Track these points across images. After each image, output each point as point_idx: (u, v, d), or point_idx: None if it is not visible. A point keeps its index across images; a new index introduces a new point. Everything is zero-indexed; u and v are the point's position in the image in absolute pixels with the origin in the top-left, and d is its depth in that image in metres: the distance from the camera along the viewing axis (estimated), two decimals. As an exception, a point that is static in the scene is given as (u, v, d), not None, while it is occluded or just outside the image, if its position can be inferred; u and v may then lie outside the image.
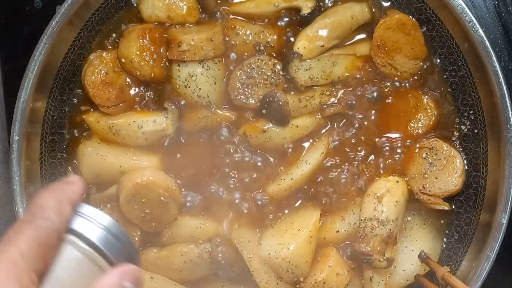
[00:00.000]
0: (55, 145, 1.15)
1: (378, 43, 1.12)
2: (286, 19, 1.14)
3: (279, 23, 1.14)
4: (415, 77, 1.15)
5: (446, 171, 1.13)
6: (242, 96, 1.12)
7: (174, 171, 1.14)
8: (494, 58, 1.06)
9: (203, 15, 1.14)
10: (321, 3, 1.14)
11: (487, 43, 1.06)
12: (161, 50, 1.12)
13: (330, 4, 1.14)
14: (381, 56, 1.13)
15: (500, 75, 1.06)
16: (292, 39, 1.13)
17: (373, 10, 1.13)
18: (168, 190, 1.09)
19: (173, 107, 1.13)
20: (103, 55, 1.13)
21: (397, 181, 1.13)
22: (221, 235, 1.13)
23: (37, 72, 1.07)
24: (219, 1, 1.14)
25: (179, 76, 1.12)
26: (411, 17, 1.13)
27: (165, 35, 1.13)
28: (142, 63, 1.11)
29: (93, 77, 1.12)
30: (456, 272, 1.13)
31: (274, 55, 1.14)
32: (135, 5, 1.14)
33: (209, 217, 1.14)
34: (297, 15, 1.14)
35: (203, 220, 1.13)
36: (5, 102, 1.23)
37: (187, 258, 1.12)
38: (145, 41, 1.11)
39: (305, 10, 1.13)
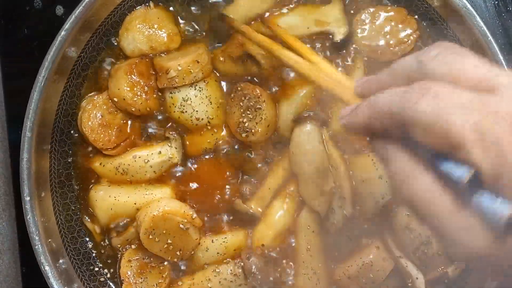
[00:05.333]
0: (67, 197, 1.15)
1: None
2: (318, 44, 1.13)
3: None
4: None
5: None
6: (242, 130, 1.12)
7: (188, 197, 1.14)
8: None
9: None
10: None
11: (494, 44, 1.05)
12: (151, 82, 1.12)
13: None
14: None
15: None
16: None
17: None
18: (186, 216, 1.09)
19: (175, 134, 1.13)
20: (95, 99, 1.13)
21: None
22: (247, 245, 1.13)
23: (35, 130, 1.07)
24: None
25: (173, 104, 1.12)
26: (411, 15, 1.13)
27: (152, 66, 1.13)
28: (135, 98, 1.11)
29: (90, 123, 1.12)
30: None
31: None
32: (115, 43, 1.14)
33: (229, 230, 1.14)
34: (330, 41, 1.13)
35: (225, 235, 1.13)
36: (5, 102, 1.22)
37: (221, 278, 1.11)
38: (133, 76, 1.11)
39: (338, 37, 1.11)
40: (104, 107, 1.12)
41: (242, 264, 1.11)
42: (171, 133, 1.12)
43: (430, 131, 0.56)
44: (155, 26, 1.12)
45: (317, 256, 1.13)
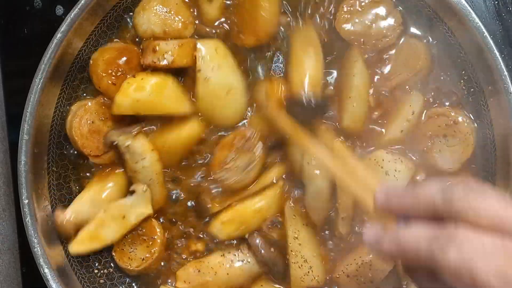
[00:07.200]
0: (65, 200, 1.15)
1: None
2: None
3: None
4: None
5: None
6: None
7: None
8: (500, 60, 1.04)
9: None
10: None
11: (492, 44, 1.04)
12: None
13: None
14: None
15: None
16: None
17: None
18: None
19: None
20: (89, 104, 1.11)
21: None
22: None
23: (32, 132, 1.06)
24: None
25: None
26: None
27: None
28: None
29: (80, 128, 1.10)
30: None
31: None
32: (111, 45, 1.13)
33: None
34: None
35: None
36: (5, 102, 1.22)
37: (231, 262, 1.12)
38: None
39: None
40: (96, 113, 1.11)
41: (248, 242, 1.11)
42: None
43: (458, 278, 0.61)
44: (172, 11, 1.10)
45: (307, 244, 1.11)
